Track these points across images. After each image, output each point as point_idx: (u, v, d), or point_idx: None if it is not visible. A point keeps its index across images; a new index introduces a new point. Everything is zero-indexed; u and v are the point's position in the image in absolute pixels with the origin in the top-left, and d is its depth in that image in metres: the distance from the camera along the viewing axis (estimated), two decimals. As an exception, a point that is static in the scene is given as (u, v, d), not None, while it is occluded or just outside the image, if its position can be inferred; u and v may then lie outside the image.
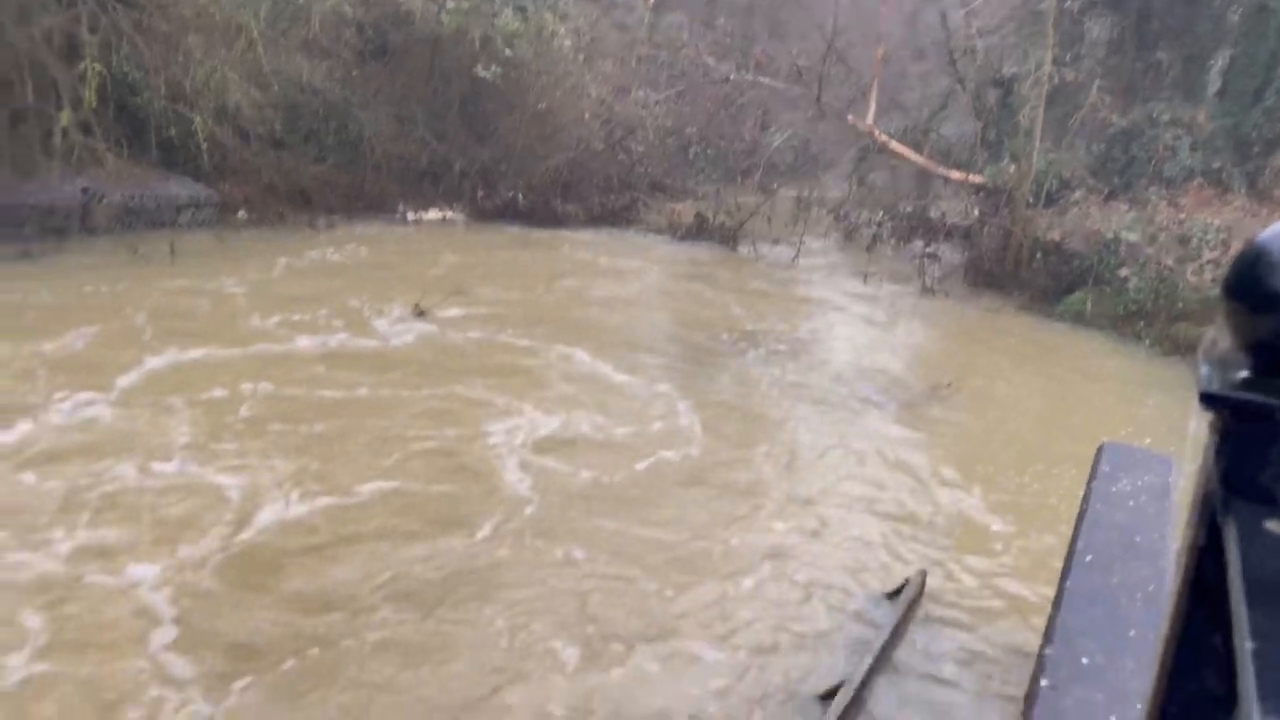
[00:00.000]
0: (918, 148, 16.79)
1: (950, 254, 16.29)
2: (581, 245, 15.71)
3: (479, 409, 7.83)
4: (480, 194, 16.98)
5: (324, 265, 12.36)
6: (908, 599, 5.30)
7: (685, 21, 20.75)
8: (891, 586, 5.55)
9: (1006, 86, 15.73)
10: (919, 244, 16.01)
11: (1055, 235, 14.14)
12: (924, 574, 5.62)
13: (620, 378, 9.02)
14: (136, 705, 4.03)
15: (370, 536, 5.60)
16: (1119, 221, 13.58)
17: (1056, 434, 8.72)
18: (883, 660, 4.80)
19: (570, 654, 4.66)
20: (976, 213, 15.76)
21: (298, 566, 5.23)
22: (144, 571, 4.99)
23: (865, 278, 15.14)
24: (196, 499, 5.84)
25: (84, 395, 7.06)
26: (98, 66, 10.72)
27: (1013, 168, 14.84)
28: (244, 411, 7.24)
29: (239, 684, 4.21)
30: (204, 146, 12.58)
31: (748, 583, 5.52)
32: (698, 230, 17.34)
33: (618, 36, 18.95)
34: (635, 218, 18.27)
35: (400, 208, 16.20)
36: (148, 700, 4.07)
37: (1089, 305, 13.09)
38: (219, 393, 7.47)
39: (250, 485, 6.03)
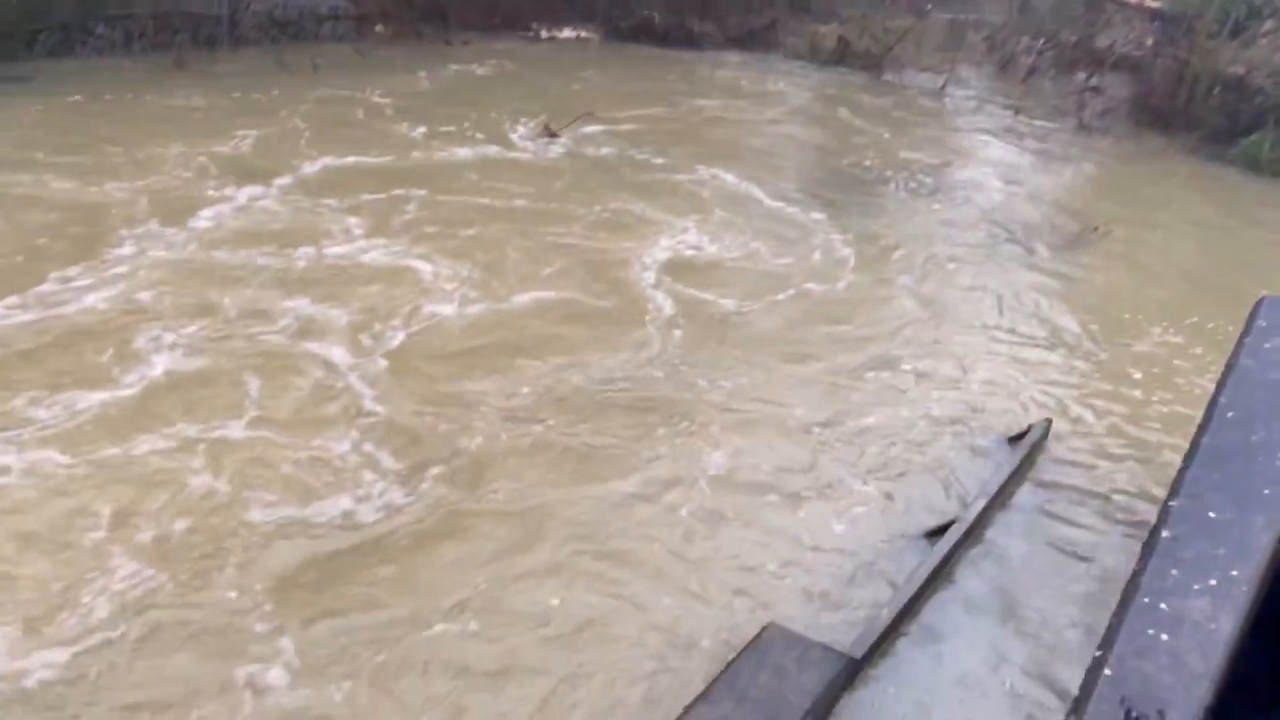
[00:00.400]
0: (1090, -33, 15.30)
1: (1115, 88, 15.06)
2: (718, 67, 15.21)
3: (631, 225, 8.07)
4: (615, 12, 16.48)
5: (463, 80, 12.40)
6: (1030, 444, 5.25)
7: None
8: (1017, 431, 5.50)
9: (1200, -102, 14.01)
10: (1081, 76, 14.84)
11: (1239, 69, 12.86)
12: (1049, 421, 5.53)
13: (770, 203, 9.03)
14: (340, 481, 4.51)
15: (528, 345, 5.94)
16: (1314, 56, 12.25)
17: (1213, 286, 8.22)
18: (997, 502, 4.82)
19: (731, 462, 4.93)
20: (1150, 42, 14.42)
21: (464, 366, 5.63)
22: (335, 352, 5.58)
23: (1017, 111, 14.22)
24: (371, 288, 6.41)
25: (254, 189, 7.84)
26: None
27: (1198, -8, 13.43)
28: (407, 213, 7.77)
29: (425, 472, 4.63)
30: (345, -43, 12.51)
31: (876, 419, 5.56)
32: (841, 55, 16.48)
33: None
34: (775, 40, 17.44)
35: (534, 25, 15.92)
36: (349, 476, 4.56)
37: (1267, 149, 12.01)
38: (378, 195, 8.02)
39: (417, 283, 6.55)
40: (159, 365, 5.28)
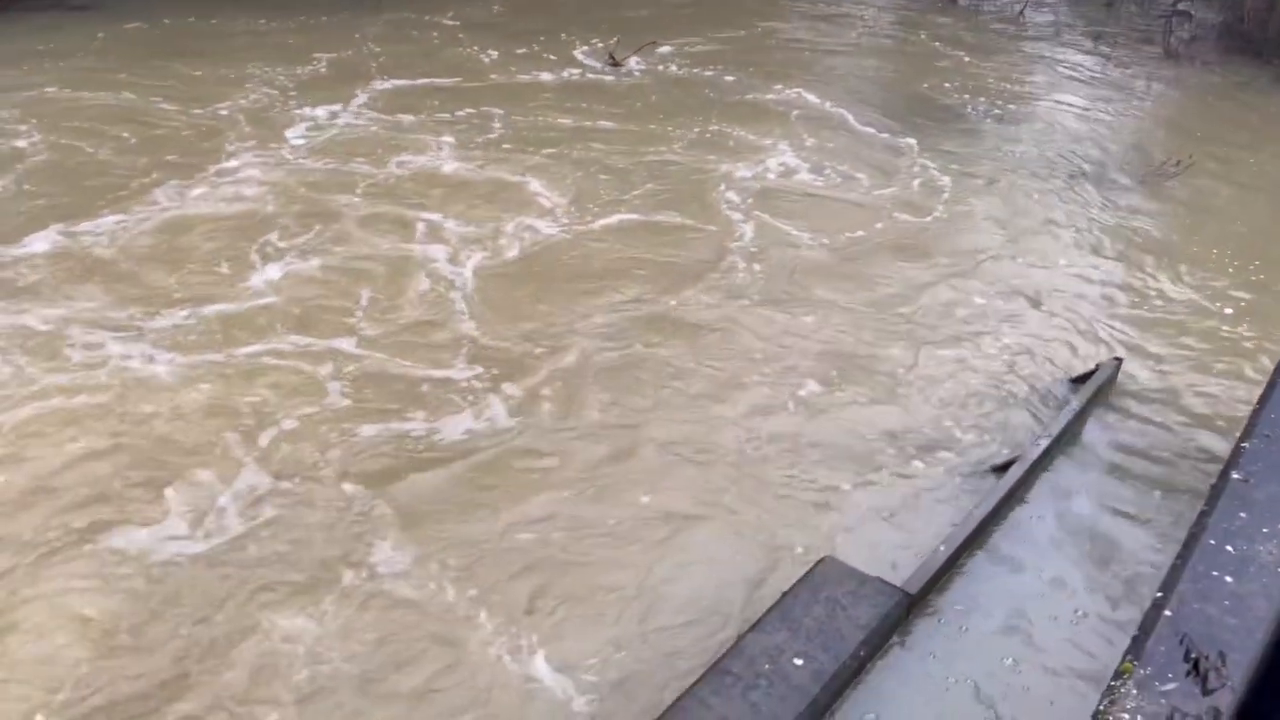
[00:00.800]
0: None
1: (1204, 13, 14.34)
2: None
3: (718, 148, 8.21)
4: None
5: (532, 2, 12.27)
6: (1098, 382, 5.15)
7: None
8: (1085, 370, 5.40)
9: None
10: (1167, 1, 14.14)
11: (1340, -7, 12.14)
12: (1118, 360, 5.42)
13: (849, 129, 9.02)
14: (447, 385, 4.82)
15: (616, 269, 6.14)
16: None
17: (1298, 225, 7.90)
18: (1063, 440, 4.76)
19: (810, 390, 5.07)
20: (1245, -36, 13.65)
21: (556, 284, 5.89)
22: (440, 265, 5.95)
23: (1098, 37, 13.63)
24: (464, 201, 6.81)
25: (336, 107, 8.31)
26: None
27: (1301, -92, 12.62)
28: (493, 131, 8.12)
29: (513, 388, 4.90)
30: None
31: (949, 353, 5.51)
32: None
33: None
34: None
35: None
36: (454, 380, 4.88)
37: (1366, 79, 11.38)
38: (460, 113, 8.39)
39: (511, 200, 6.90)
40: (275, 272, 5.72)
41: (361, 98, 8.57)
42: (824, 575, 3.71)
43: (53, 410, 4.41)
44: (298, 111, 8.13)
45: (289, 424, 4.48)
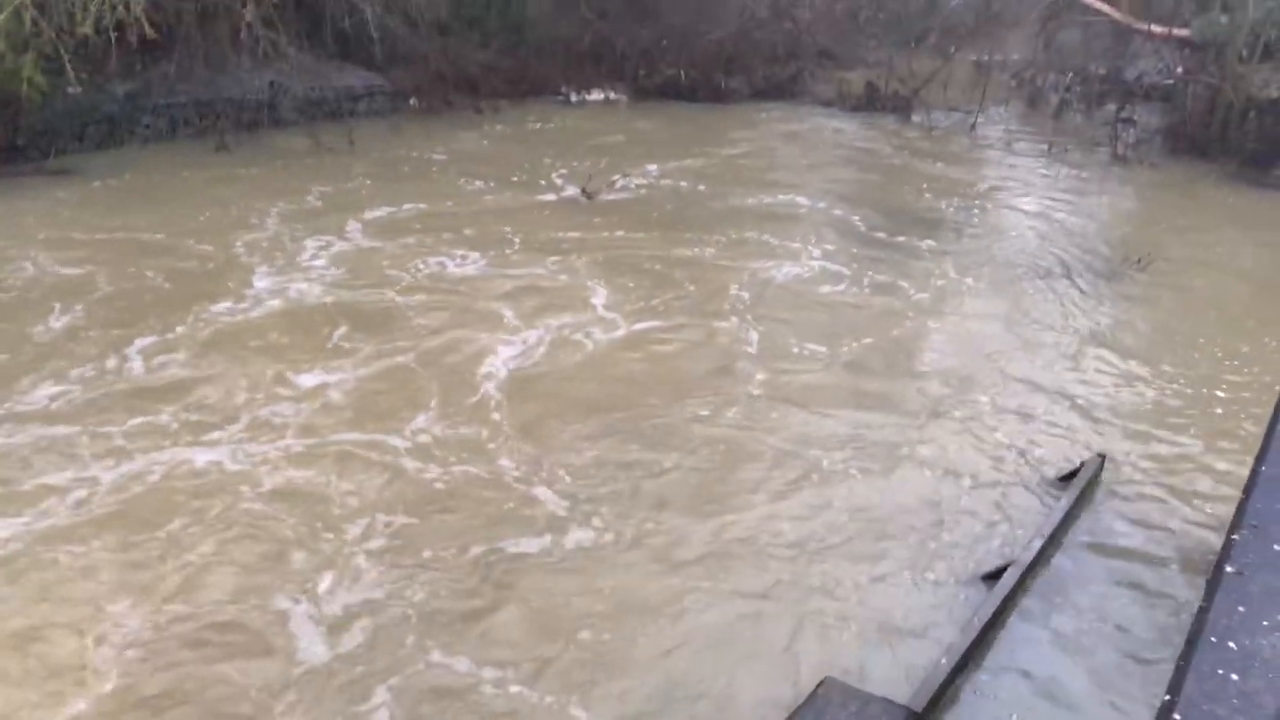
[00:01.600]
0: (1114, 1, 15.29)
1: (1147, 118, 14.98)
2: (748, 120, 15.37)
3: (714, 255, 8.74)
4: (642, 73, 16.77)
5: (491, 150, 12.64)
6: (1083, 481, 5.13)
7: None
8: (1070, 468, 5.38)
9: (1222, -75, 13.99)
10: (1111, 108, 14.77)
11: (1272, 93, 12.72)
12: (1102, 458, 5.41)
13: (823, 242, 9.29)
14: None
15: (633, 375, 6.43)
16: (1351, 74, 12.08)
17: (1259, 314, 8.04)
18: (1054, 542, 4.70)
19: (799, 501, 4.85)
20: (1180, 71, 14.34)
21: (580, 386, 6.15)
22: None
23: (1050, 146, 14.18)
24: (470, 311, 7.30)
25: (339, 233, 8.88)
26: (278, -40, 11.10)
27: (1225, 18, 13.34)
28: (511, 246, 8.72)
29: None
30: (375, 36, 12.90)
31: (930, 456, 5.48)
32: (869, 100, 16.61)
33: (783, -104, 17.92)
34: (802, 89, 17.64)
35: (563, 90, 16.24)
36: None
37: (1309, 171, 11.83)
38: (447, 235, 8.86)
39: (519, 309, 7.34)
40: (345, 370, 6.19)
41: (357, 225, 9.14)
42: (826, 698, 3.58)
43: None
44: (307, 241, 8.61)
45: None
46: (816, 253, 9.01)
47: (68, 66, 9.40)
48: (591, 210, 9.87)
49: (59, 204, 9.26)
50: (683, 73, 16.64)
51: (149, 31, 9.73)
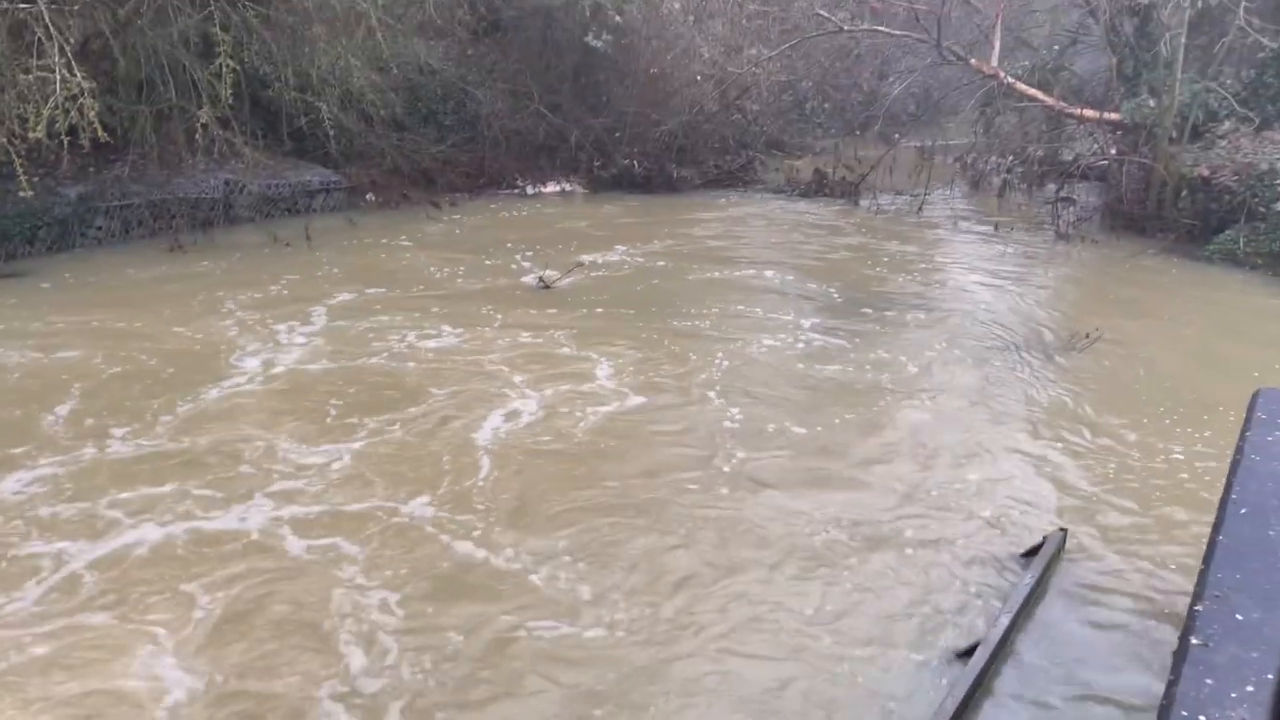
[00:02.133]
0: (1047, 87, 15.95)
1: (1086, 197, 15.53)
2: (700, 208, 15.66)
3: (682, 337, 8.58)
4: (596, 164, 17.10)
5: (451, 240, 12.71)
6: (1047, 556, 5.14)
7: (796, -27, 20.19)
8: (1031, 542, 5.39)
9: (1143, 15, 14.71)
10: (1051, 188, 15.29)
11: (1203, 171, 13.24)
12: (1064, 532, 5.43)
13: (775, 320, 9.20)
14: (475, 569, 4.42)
15: (613, 453, 6.44)
16: (1274, 152, 12.62)
17: (1209, 381, 8.23)
18: (1021, 618, 4.68)
19: (756, 590, 4.76)
20: (1114, 152, 14.92)
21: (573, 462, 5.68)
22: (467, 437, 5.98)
23: (996, 226, 14.60)
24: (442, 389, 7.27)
25: (300, 324, 8.92)
26: (231, 63, 11.20)
27: (1153, 101, 13.95)
28: (491, 326, 8.15)
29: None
30: (331, 133, 13.05)
31: (879, 534, 5.46)
32: (817, 186, 17.06)
33: (727, -6, 18.64)
34: (753, 177, 18.08)
35: (519, 183, 16.48)
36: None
37: (1242, 244, 12.25)
38: (414, 314, 8.47)
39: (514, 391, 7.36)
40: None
41: (322, 309, 9.29)
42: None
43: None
44: (279, 325, 8.70)
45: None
46: (782, 330, 9.11)
47: (19, 171, 9.35)
48: (554, 296, 9.94)
49: (12, 306, 9.11)
50: (636, 163, 16.99)
51: (102, 135, 9.75)
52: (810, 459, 6.49)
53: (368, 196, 14.59)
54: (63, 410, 6.77)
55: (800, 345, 8.82)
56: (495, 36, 17.28)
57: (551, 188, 16.71)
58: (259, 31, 12.27)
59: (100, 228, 11.44)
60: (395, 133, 14.99)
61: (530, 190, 16.47)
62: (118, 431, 6.43)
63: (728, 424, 6.96)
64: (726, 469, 6.25)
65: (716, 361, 8.26)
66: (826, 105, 21.30)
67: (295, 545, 5.15)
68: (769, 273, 11.69)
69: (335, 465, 6.07)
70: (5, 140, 9.42)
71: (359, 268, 10.99)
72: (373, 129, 14.38)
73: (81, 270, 10.34)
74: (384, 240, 12.40)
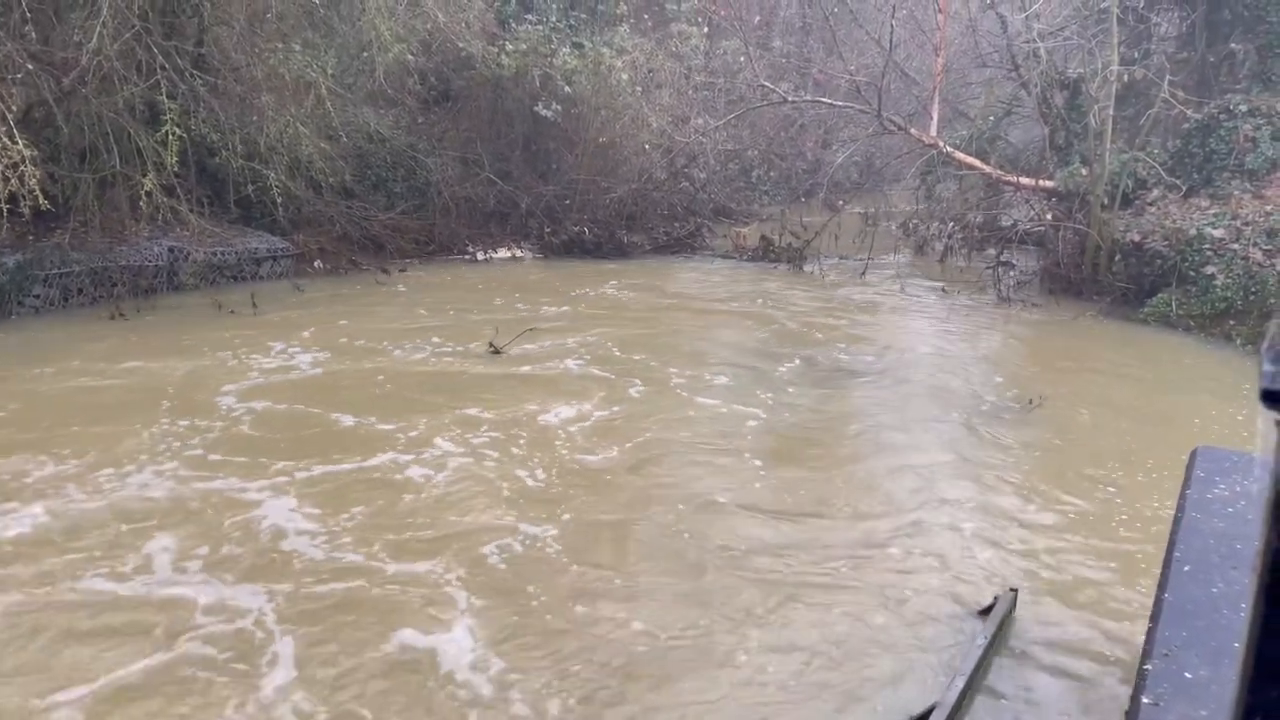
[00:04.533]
0: (984, 156, 16.49)
1: (1025, 262, 15.96)
2: (650, 273, 15.79)
3: (639, 399, 8.19)
4: (547, 230, 17.21)
5: (400, 305, 12.62)
6: (999, 616, 5.15)
7: (741, 46, 20.78)
8: (981, 604, 5.41)
9: (1073, 88, 15.34)
10: (992, 253, 15.71)
11: (1134, 236, 13.71)
12: (1015, 592, 5.46)
13: (708, 395, 9.14)
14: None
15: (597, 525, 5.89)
16: (1201, 218, 13.13)
17: (1150, 439, 8.42)
18: (975, 681, 4.67)
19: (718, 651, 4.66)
20: (1050, 218, 15.40)
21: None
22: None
23: (939, 290, 14.92)
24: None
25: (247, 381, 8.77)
26: (178, 131, 11.14)
27: (1085, 170, 14.47)
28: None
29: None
30: (278, 201, 12.98)
31: (836, 602, 5.43)
32: (764, 252, 17.33)
33: (674, 66, 19.07)
34: (701, 244, 18.33)
35: (470, 249, 16.50)
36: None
37: (1175, 306, 12.65)
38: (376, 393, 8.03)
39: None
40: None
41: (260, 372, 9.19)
42: None
43: None
44: (226, 384, 8.71)
45: None
46: (731, 392, 9.15)
47: (-45, 238, 9.17)
48: (504, 360, 9.89)
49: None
50: (586, 230, 17.13)
51: (43, 203, 9.60)
52: (771, 520, 6.47)
53: (316, 263, 14.49)
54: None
55: (748, 406, 8.85)
56: (445, 105, 17.46)
57: (503, 253, 16.75)
58: (206, 100, 12.25)
59: (38, 296, 11.18)
60: (344, 200, 14.95)
61: (481, 256, 16.49)
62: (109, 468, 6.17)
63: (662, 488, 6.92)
64: (697, 534, 6.21)
65: (667, 422, 8.27)
66: (772, 173, 21.76)
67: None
68: (719, 334, 11.79)
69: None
70: (-58, 208, 9.23)
71: (301, 328, 10.91)
72: (321, 196, 14.34)
73: (18, 337, 10.02)
74: (331, 305, 12.26)
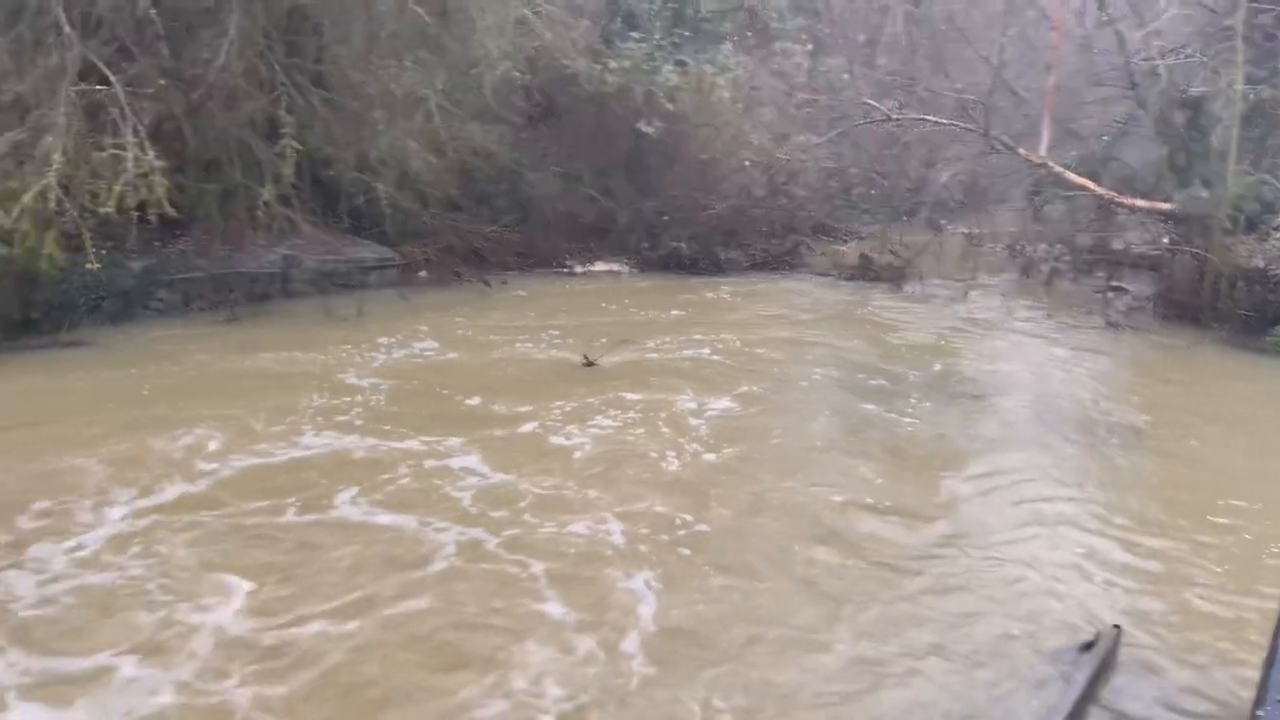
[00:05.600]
0: (1096, 177, 15.94)
1: (1137, 287, 15.37)
2: (748, 291, 15.75)
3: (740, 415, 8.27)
4: (645, 245, 17.34)
5: (501, 315, 12.88)
6: (1100, 654, 4.96)
7: (845, 64, 20.62)
8: (1084, 639, 5.21)
9: (1195, 108, 14.71)
10: (1101, 277, 15.17)
11: (1259, 262, 13.07)
12: (1119, 630, 5.25)
13: (815, 407, 9.14)
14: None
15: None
16: (1332, 245, 12.45)
17: (1265, 476, 8.00)
18: (1076, 717, 4.50)
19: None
20: (1166, 241, 14.80)
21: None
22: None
23: (1044, 314, 14.48)
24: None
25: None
26: (295, 144, 11.63)
27: (1206, 193, 13.86)
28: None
29: None
30: (387, 212, 13.39)
31: (941, 630, 5.32)
32: (863, 270, 17.10)
33: (777, 84, 19.02)
34: (798, 261, 18.19)
35: (568, 262, 16.75)
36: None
37: (1300, 336, 12.01)
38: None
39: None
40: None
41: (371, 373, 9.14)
42: None
43: None
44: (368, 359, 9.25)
45: None
46: (834, 409, 9.10)
47: (88, 244, 9.69)
48: (598, 373, 9.99)
49: (75, 373, 9.38)
50: (684, 245, 17.20)
51: (170, 211, 10.12)
52: (862, 529, 6.39)
53: (420, 273, 14.90)
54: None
55: (854, 419, 8.78)
56: (549, 122, 17.75)
57: (600, 267, 16.94)
58: (322, 114, 12.74)
59: (161, 299, 11.78)
60: (449, 212, 15.35)
61: (579, 269, 16.71)
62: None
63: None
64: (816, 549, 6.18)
65: (786, 433, 8.36)
66: (873, 191, 21.44)
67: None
68: (820, 350, 11.68)
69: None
70: (77, 215, 9.78)
71: (417, 332, 11.37)
72: (428, 208, 14.74)
73: (144, 339, 10.56)
74: (437, 313, 12.59)
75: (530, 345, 11.12)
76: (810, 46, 20.32)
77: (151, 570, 5.46)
